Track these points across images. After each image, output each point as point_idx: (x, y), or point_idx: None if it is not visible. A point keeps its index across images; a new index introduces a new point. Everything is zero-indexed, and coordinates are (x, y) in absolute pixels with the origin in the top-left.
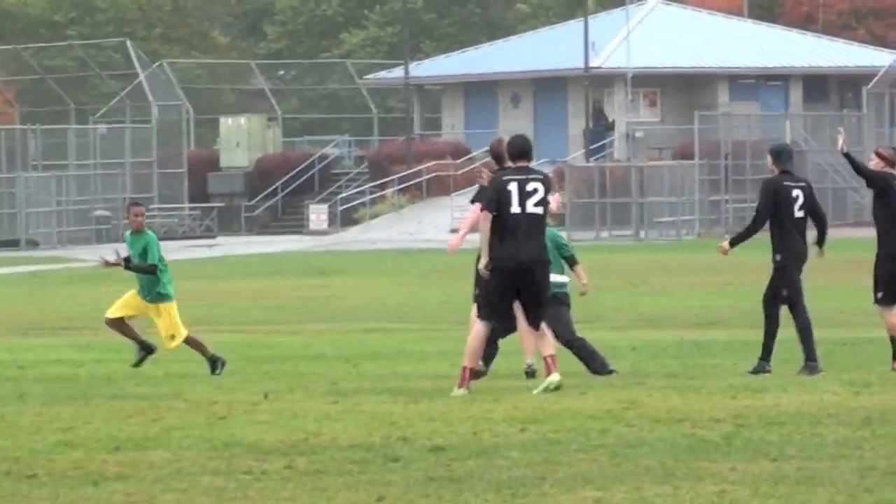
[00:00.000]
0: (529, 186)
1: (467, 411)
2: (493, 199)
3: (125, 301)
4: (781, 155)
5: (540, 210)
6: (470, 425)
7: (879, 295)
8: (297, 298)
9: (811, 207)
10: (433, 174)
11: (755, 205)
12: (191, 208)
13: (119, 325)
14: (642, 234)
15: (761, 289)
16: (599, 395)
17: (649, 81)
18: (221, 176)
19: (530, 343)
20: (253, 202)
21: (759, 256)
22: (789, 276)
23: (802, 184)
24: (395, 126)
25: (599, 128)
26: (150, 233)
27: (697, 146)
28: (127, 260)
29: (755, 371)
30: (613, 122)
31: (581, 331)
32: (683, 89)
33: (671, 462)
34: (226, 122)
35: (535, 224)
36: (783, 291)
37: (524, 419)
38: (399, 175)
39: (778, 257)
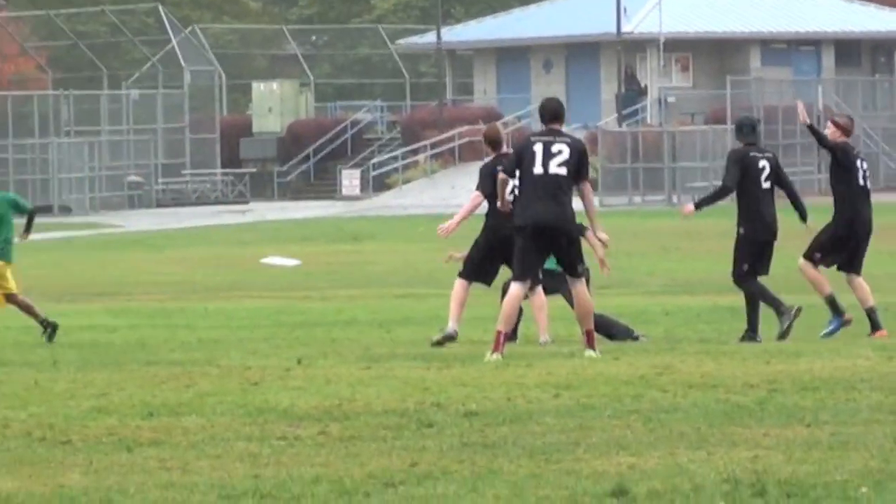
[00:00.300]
0: (555, 148)
1: (500, 377)
2: (514, 162)
3: None
4: (743, 128)
5: (563, 171)
6: (503, 391)
7: (818, 256)
8: (329, 264)
9: (778, 178)
10: (465, 139)
11: (788, 169)
12: (223, 174)
13: (15, 301)
14: (675, 198)
15: (794, 254)
16: (633, 361)
17: (681, 46)
18: (254, 141)
19: (543, 319)
20: (285, 167)
21: (794, 222)
22: (752, 248)
23: (769, 154)
24: (427, 91)
25: (631, 93)
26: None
27: (730, 111)
28: None
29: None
30: (646, 86)
31: (613, 296)
32: (715, 54)
33: (705, 427)
34: (258, 88)
35: (558, 185)
36: (744, 266)
37: (557, 385)
38: (431, 140)
39: (741, 230)
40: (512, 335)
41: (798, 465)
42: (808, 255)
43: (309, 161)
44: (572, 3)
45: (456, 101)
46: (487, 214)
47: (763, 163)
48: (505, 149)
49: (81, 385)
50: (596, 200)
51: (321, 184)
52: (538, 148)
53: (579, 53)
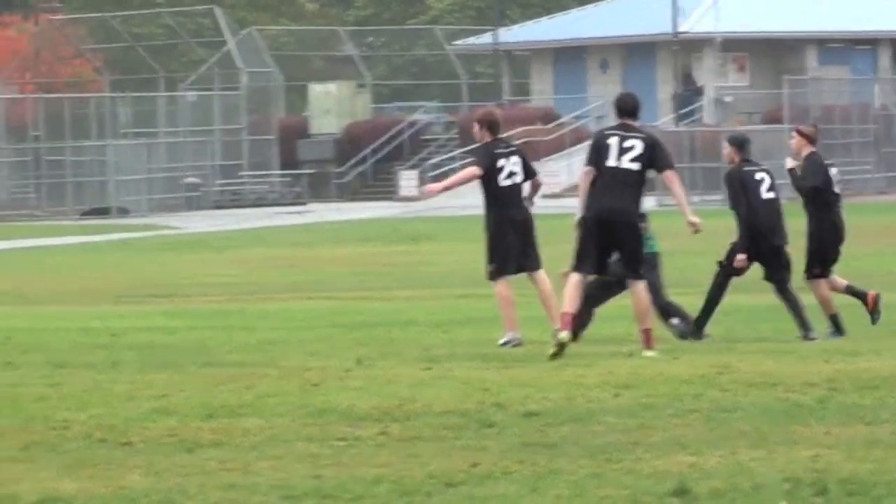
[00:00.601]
0: (627, 143)
1: (560, 377)
2: (592, 154)
3: None
4: (745, 144)
5: (635, 166)
6: (563, 391)
7: (818, 270)
8: (387, 265)
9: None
10: (523, 140)
11: (845, 168)
12: (281, 175)
13: None
14: None
15: (855, 253)
16: (692, 360)
17: (738, 46)
18: (311, 143)
19: (553, 308)
20: (343, 168)
21: (855, 220)
22: (756, 255)
23: (765, 167)
24: (483, 92)
25: (688, 93)
26: None
27: (786, 111)
28: None
29: (685, 335)
30: (702, 87)
31: (674, 296)
32: (772, 54)
33: (765, 426)
34: (315, 89)
35: (628, 179)
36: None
37: (617, 384)
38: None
39: (735, 238)
40: (574, 337)
41: (859, 464)
42: (810, 274)
43: (366, 162)
44: (629, 3)
45: (513, 101)
46: (487, 208)
47: (760, 175)
48: (496, 134)
49: (141, 386)
50: (654, 201)
51: (379, 185)
52: (612, 142)
53: (636, 53)
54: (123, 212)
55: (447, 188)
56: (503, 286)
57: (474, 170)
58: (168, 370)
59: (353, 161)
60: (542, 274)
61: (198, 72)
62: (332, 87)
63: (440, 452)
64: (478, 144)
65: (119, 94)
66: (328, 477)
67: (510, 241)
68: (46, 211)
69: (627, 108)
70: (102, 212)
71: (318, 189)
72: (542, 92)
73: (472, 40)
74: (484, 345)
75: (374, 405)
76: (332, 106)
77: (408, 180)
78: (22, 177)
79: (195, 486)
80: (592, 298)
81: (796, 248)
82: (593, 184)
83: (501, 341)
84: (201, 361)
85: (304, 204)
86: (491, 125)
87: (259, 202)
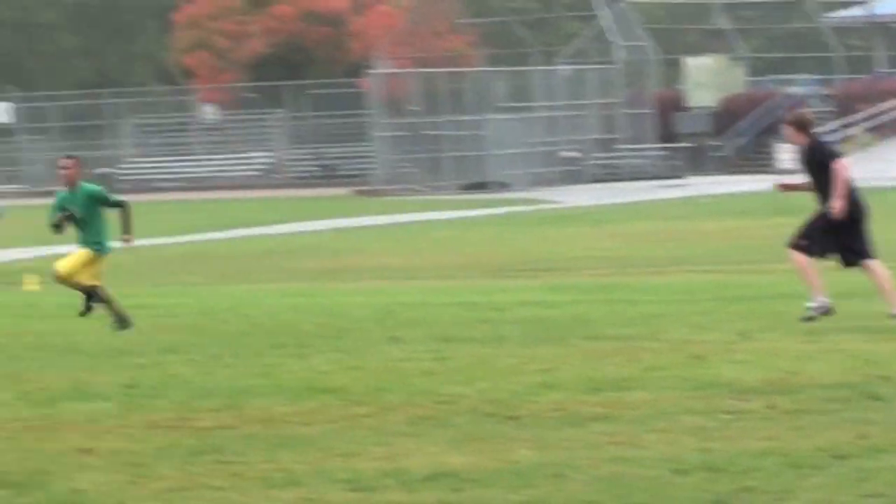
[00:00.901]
0: None
1: None
2: None
3: (79, 260)
4: None
5: None
6: None
7: None
8: (767, 238)
9: None
10: None
11: None
12: (658, 148)
13: (68, 281)
14: None
15: None
16: None
17: None
18: (688, 116)
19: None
20: (720, 142)
21: None
22: None
23: None
24: (857, 64)
25: None
26: (87, 184)
27: None
28: (70, 217)
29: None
30: None
31: None
32: None
33: None
34: (691, 62)
35: None
36: None
37: None
38: (864, 114)
39: None
40: None
41: None
42: None
43: (743, 135)
44: None
45: (889, 73)
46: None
47: None
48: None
49: (526, 360)
50: None
51: (757, 157)
52: None
53: None
54: (502, 186)
55: (845, 197)
56: (800, 255)
57: (845, 166)
58: (552, 344)
59: (729, 134)
60: (874, 262)
61: (571, 46)
62: (706, 60)
63: (827, 425)
64: (814, 144)
65: (495, 68)
66: (716, 450)
67: (830, 228)
68: (425, 185)
69: None
70: (481, 186)
71: (696, 162)
72: None
73: (845, 13)
74: (870, 318)
75: (759, 378)
76: (707, 79)
77: (786, 153)
78: (401, 151)
79: (583, 459)
80: None
81: None
82: None
83: (813, 305)
84: (584, 335)
85: (681, 177)
86: (805, 125)
87: (636, 175)
